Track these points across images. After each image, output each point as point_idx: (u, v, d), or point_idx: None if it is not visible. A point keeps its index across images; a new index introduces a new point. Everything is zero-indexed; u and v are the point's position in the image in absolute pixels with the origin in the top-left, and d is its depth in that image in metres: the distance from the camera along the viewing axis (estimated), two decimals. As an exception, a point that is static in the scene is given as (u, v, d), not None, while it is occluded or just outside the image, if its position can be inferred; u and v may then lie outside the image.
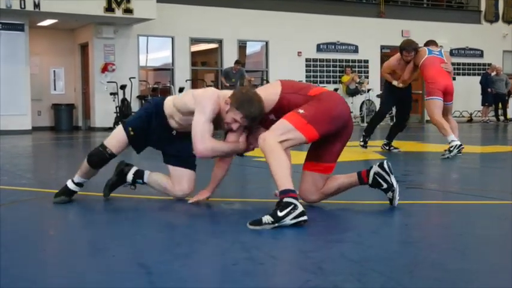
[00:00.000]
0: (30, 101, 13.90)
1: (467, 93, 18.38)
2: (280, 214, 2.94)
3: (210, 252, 2.64)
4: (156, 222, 3.37)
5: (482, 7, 20.45)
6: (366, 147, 7.79)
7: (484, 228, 3.14)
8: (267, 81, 16.35)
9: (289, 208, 2.94)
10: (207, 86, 15.30)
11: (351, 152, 8.71)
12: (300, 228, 3.13)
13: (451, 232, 3.10)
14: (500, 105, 18.12)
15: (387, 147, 7.64)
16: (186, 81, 15.44)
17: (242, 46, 16.85)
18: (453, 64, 8.58)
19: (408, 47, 7.13)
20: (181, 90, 14.75)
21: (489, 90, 17.53)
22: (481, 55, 20.02)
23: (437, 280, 2.21)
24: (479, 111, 18.70)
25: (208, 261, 2.48)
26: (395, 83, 7.47)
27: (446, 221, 3.22)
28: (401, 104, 7.78)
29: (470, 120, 18.70)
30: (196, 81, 16.24)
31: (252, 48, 17.42)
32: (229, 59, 15.68)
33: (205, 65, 17.55)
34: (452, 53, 19.25)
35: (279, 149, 3.11)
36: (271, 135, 3.15)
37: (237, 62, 15.37)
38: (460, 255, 2.65)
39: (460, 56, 19.41)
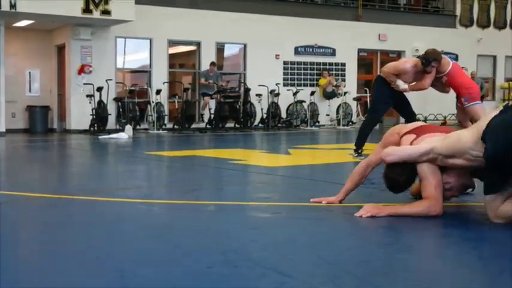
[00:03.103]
0: (4, 103, 13.71)
1: (442, 96, 18.49)
2: None
3: (184, 255, 2.63)
4: (134, 226, 3.34)
5: (458, 12, 20.71)
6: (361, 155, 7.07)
7: (459, 229, 3.18)
8: (245, 84, 16.37)
9: None
10: (185, 88, 15.26)
11: (331, 154, 8.77)
12: (277, 231, 3.15)
13: (426, 234, 3.13)
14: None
15: None
16: (164, 83, 15.38)
17: (220, 48, 16.84)
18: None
19: (439, 58, 6.66)
20: (158, 92, 14.69)
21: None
22: (456, 59, 20.24)
23: (412, 281, 2.23)
24: (453, 114, 18.91)
25: (182, 265, 2.47)
26: (400, 83, 6.91)
27: (420, 223, 3.24)
28: (400, 103, 7.25)
29: (444, 123, 18.91)
30: (174, 84, 16.19)
31: (230, 51, 17.41)
32: (207, 62, 15.65)
33: (183, 67, 17.50)
34: (428, 57, 19.44)
35: None
36: None
37: (212, 64, 15.37)
38: (434, 256, 2.68)
39: (435, 60, 19.59)
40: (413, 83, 6.96)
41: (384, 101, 7.19)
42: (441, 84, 6.88)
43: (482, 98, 18.68)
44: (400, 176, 3.45)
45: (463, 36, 20.23)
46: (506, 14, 21.69)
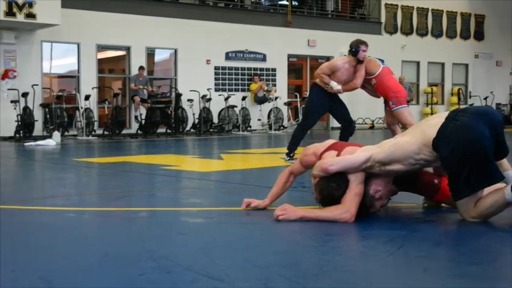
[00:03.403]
0: None
1: (370, 101, 18.98)
2: None
3: (115, 263, 2.60)
4: (63, 235, 3.27)
5: (383, 19, 21.35)
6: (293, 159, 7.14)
7: (385, 229, 3.28)
8: (176, 89, 16.28)
9: None
10: (115, 94, 15.02)
11: (263, 158, 8.84)
12: (208, 235, 3.16)
13: (353, 235, 3.22)
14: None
15: None
16: (93, 88, 15.08)
17: (151, 53, 16.69)
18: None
19: (364, 41, 6.92)
20: (87, 97, 14.38)
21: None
22: (383, 63, 20.88)
23: (341, 282, 2.29)
24: (380, 118, 19.46)
25: (114, 272, 2.44)
26: (333, 84, 6.95)
27: (348, 225, 3.33)
28: (337, 107, 7.28)
29: (372, 127, 19.44)
30: (103, 89, 15.90)
31: (160, 56, 17.28)
32: (137, 67, 15.47)
33: (112, 73, 17.22)
34: (355, 63, 19.94)
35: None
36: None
37: (141, 68, 15.21)
38: (362, 256, 2.76)
39: (363, 66, 20.11)
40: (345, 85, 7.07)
41: (318, 108, 7.29)
42: (371, 86, 7.06)
43: (408, 102, 19.37)
44: (337, 191, 3.43)
45: (388, 42, 20.87)
46: (428, 22, 22.55)
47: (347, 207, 3.39)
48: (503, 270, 2.51)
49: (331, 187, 3.43)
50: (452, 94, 22.86)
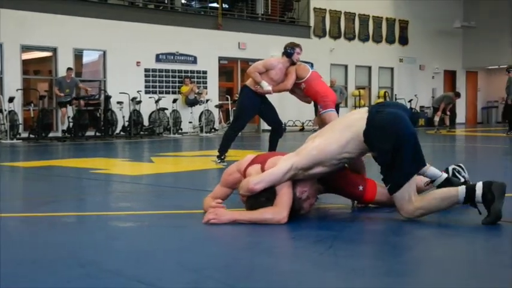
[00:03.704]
0: None
1: (300, 103, 19.29)
2: None
3: (41, 270, 2.53)
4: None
5: (312, 23, 21.72)
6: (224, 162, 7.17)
7: (315, 230, 3.34)
8: (105, 91, 15.98)
9: None
10: (41, 96, 14.57)
11: (194, 161, 8.81)
12: (139, 240, 3.12)
13: (283, 236, 3.26)
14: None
15: None
16: (17, 90, 14.58)
17: (78, 55, 16.30)
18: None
19: (299, 45, 7.06)
20: (11, 100, 13.90)
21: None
22: (312, 67, 21.23)
23: (272, 283, 2.32)
24: (310, 120, 19.78)
25: (40, 281, 2.37)
26: (264, 84, 7.00)
27: (279, 227, 3.37)
28: (267, 109, 7.36)
29: (302, 129, 19.73)
30: (29, 91, 15.41)
31: (88, 57, 16.91)
32: (64, 68, 15.08)
33: (38, 74, 16.71)
34: (286, 66, 20.17)
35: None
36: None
37: (69, 69, 14.85)
38: (292, 257, 2.81)
39: (293, 68, 20.38)
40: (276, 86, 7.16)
41: (249, 110, 7.33)
42: (301, 91, 7.18)
43: (338, 105, 19.81)
44: (267, 204, 3.46)
45: (317, 46, 21.25)
46: (355, 26, 23.12)
47: (279, 209, 3.43)
48: (428, 268, 2.61)
49: (261, 202, 3.47)
50: (378, 97, 23.53)
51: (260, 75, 7.05)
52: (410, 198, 3.44)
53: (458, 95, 18.15)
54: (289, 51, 7.04)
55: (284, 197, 3.46)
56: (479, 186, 3.30)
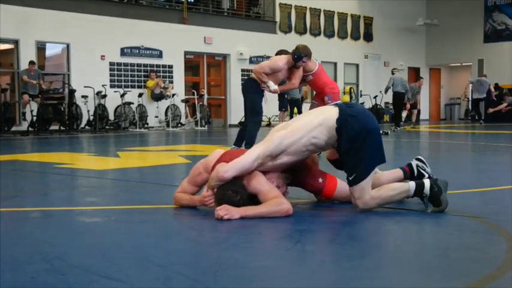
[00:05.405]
0: None
1: (268, 99, 19.39)
2: None
3: (4, 266, 2.48)
4: None
5: (277, 18, 21.77)
6: None
7: (284, 223, 3.36)
8: (69, 85, 15.74)
9: None
10: (3, 89, 14.27)
11: (161, 156, 8.75)
12: (105, 235, 3.09)
13: (252, 231, 3.27)
14: (295, 109, 19.43)
15: None
16: (-23, 83, 14.28)
17: (41, 48, 16.01)
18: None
19: (310, 54, 7.07)
20: (-29, 93, 13.61)
21: (285, 96, 18.70)
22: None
23: (240, 278, 2.33)
24: (276, 115, 19.84)
25: (2, 277, 2.32)
26: (271, 84, 7.16)
27: (247, 221, 3.38)
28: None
29: (269, 125, 19.77)
30: (-10, 84, 15.09)
31: (52, 50, 16.62)
32: (27, 61, 14.79)
33: (-1, 67, 16.38)
34: (251, 61, 20.21)
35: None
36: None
37: (31, 63, 14.57)
38: (260, 252, 2.82)
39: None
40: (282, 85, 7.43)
41: (260, 101, 7.47)
42: (305, 82, 7.40)
43: (302, 100, 19.85)
44: (235, 197, 3.44)
45: (283, 41, 21.29)
46: (320, 22, 23.25)
47: (279, 200, 3.48)
48: (393, 263, 2.65)
49: (228, 195, 3.46)
50: (344, 93, 23.72)
51: (267, 76, 7.17)
52: (369, 189, 3.61)
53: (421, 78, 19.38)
54: (296, 57, 7.05)
55: (268, 186, 3.52)
56: (427, 182, 3.61)
